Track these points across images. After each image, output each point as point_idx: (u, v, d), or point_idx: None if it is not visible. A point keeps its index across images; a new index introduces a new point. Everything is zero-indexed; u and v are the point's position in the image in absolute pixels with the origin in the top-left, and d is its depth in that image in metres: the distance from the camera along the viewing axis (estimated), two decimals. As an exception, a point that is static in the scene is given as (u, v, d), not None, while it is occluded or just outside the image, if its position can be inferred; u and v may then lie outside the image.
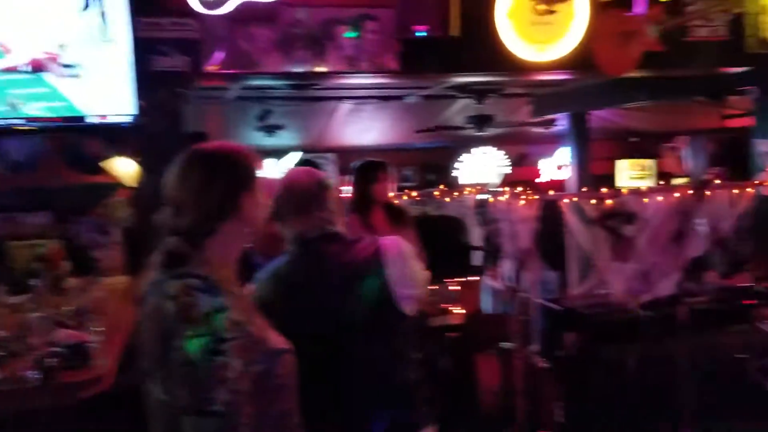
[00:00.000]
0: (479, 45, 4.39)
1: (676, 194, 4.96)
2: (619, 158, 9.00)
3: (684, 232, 4.86)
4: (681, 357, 3.97)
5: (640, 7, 4.36)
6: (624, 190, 5.09)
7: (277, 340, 1.54)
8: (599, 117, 7.83)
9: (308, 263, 1.93)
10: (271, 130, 6.52)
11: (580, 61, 4.56)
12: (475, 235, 4.94)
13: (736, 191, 5.12)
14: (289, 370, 1.53)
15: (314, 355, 1.66)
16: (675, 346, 4.11)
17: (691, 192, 4.89)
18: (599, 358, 4.36)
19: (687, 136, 7.89)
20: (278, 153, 7.44)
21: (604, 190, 5.06)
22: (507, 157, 8.36)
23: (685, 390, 3.77)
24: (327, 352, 1.81)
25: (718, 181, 5.22)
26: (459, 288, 4.75)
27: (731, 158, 6.20)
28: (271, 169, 7.24)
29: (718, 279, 4.99)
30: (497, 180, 7.49)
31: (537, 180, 8.94)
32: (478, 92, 6.17)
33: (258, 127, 6.51)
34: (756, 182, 5.15)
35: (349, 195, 4.00)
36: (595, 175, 7.88)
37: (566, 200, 4.89)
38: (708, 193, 4.90)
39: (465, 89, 6.08)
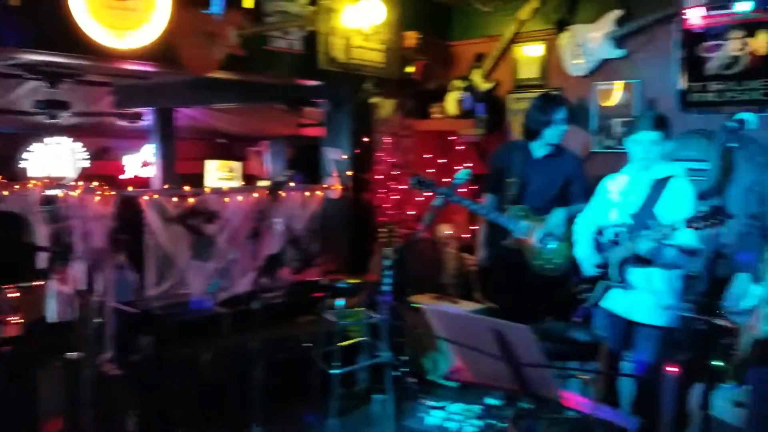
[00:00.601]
0: (44, 20, 3.84)
1: (255, 194, 5.20)
2: (208, 159, 9.10)
3: (261, 230, 5.11)
4: (255, 350, 4.13)
5: (216, 8, 4.40)
6: (207, 190, 5.12)
7: None
8: (188, 116, 7.77)
9: None
10: None
11: (163, 54, 4.38)
12: (41, 235, 4.39)
13: (307, 194, 5.61)
14: None
15: None
16: (250, 341, 4.26)
17: (268, 193, 5.18)
18: (176, 359, 4.29)
19: (269, 141, 8.37)
20: None
21: (186, 188, 5.01)
22: (86, 149, 7.72)
23: (257, 381, 3.94)
24: None
25: (292, 184, 5.63)
26: (18, 294, 4.17)
27: (305, 163, 6.75)
28: None
29: (290, 274, 5.39)
30: (74, 174, 6.84)
31: (121, 176, 8.48)
32: (50, 75, 5.51)
33: None
34: (324, 186, 5.72)
35: None
36: (183, 174, 7.78)
37: (146, 197, 4.69)
38: (283, 194, 5.26)
39: (34, 69, 5.37)
